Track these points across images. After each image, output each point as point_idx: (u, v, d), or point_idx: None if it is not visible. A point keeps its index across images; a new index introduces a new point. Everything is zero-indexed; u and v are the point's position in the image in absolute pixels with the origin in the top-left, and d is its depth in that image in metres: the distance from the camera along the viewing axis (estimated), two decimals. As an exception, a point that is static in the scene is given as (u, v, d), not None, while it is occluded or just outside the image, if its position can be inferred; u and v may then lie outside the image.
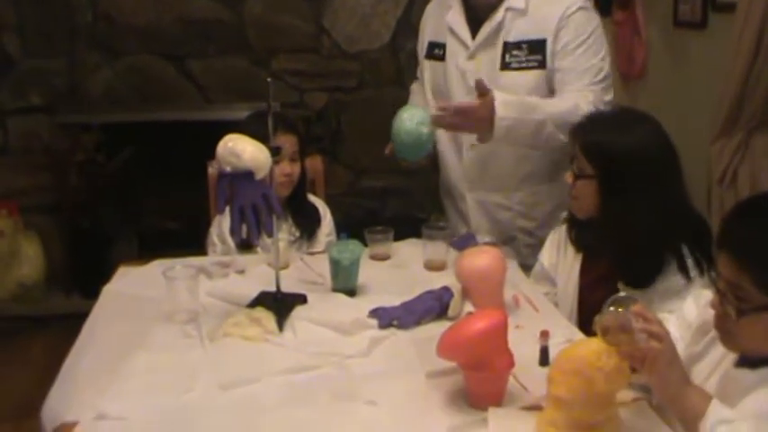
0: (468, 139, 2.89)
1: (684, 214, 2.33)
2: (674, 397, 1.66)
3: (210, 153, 2.44)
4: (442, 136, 3.01)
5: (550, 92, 2.79)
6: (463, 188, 3.02)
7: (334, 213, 3.12)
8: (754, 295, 1.62)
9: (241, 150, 2.10)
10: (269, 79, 2.25)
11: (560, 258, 2.62)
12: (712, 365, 1.85)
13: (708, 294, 1.91)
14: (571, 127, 2.44)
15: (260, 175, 2.15)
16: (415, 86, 3.27)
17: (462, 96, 2.85)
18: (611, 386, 1.65)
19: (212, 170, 3.17)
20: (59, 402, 1.90)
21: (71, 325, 2.34)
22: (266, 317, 2.22)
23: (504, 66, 2.79)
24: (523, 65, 2.77)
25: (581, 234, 2.54)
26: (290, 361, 2.04)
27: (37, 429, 1.89)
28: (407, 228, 2.94)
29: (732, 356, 1.78)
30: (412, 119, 2.73)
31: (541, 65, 2.76)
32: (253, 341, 2.16)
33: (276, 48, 4.86)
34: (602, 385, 1.64)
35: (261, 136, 2.22)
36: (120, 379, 1.96)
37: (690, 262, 2.26)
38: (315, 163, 3.31)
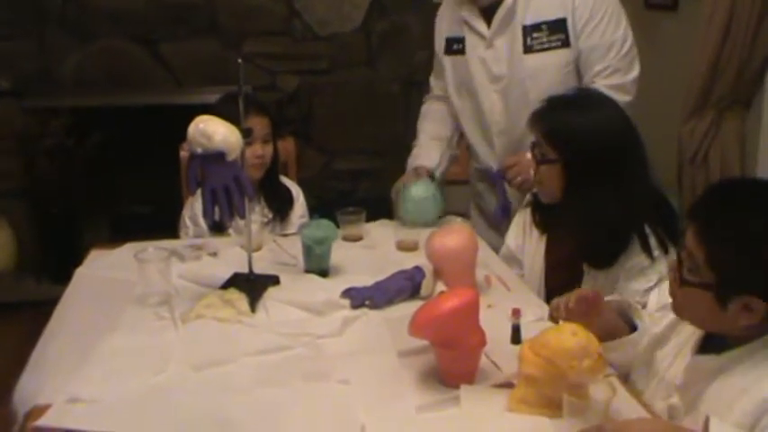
0: (497, 125, 2.94)
1: (647, 194, 2.35)
2: None
3: (182, 136, 2.42)
4: (471, 128, 3.05)
5: (579, 73, 2.83)
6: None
7: (306, 196, 3.13)
8: (704, 272, 1.66)
9: (212, 132, 2.09)
10: (239, 60, 2.24)
11: (526, 240, 2.66)
12: (676, 350, 1.88)
13: None
14: (530, 114, 2.46)
15: (231, 157, 2.14)
16: (425, 108, 3.28)
17: (486, 85, 2.92)
18: (581, 380, 1.66)
19: (184, 153, 3.16)
20: (31, 386, 1.90)
21: (42, 311, 2.33)
22: (239, 298, 2.23)
23: (527, 49, 2.81)
24: (546, 45, 2.80)
25: (545, 217, 2.56)
26: (263, 342, 2.04)
27: (9, 415, 1.88)
28: (380, 209, 2.96)
29: (694, 341, 1.81)
30: (415, 199, 2.83)
31: (565, 44, 2.79)
32: (225, 322, 2.16)
33: (248, 30, 4.82)
34: (572, 377, 1.66)
35: (232, 118, 2.21)
36: (91, 361, 1.95)
37: (653, 241, 2.29)
38: (287, 145, 3.32)
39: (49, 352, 2.05)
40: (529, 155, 2.68)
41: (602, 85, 2.75)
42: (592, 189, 2.29)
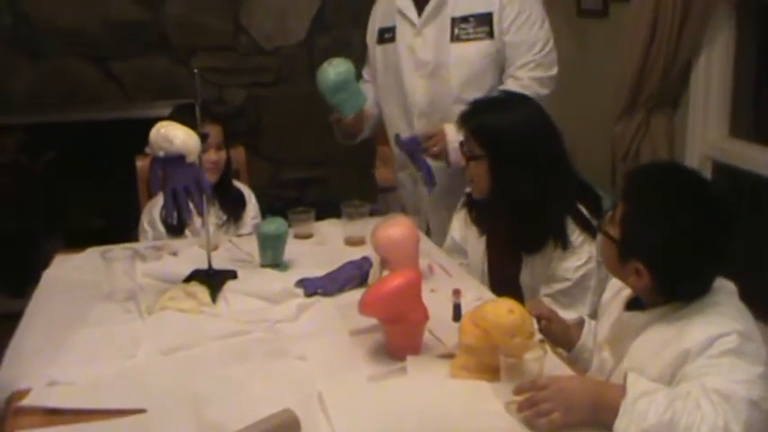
0: (418, 107, 3.15)
1: (570, 181, 2.58)
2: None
3: (134, 151, 2.53)
4: (393, 110, 3.26)
5: (500, 64, 3.06)
6: None
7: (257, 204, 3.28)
8: (616, 226, 1.90)
9: (173, 136, 2.25)
10: (196, 70, 2.39)
11: (468, 232, 2.84)
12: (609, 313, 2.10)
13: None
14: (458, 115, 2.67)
15: (191, 159, 2.30)
16: (365, 74, 3.50)
17: (411, 71, 3.14)
18: (512, 354, 1.83)
19: (141, 164, 3.30)
20: (10, 374, 2.03)
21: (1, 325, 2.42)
22: (200, 290, 2.39)
23: (454, 38, 3.05)
24: (471, 36, 3.04)
25: (480, 214, 2.77)
26: (225, 328, 2.21)
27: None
28: (327, 213, 3.14)
29: (622, 300, 2.03)
30: (330, 66, 2.98)
31: (489, 35, 3.03)
32: (189, 313, 2.32)
33: (196, 46, 4.97)
34: (504, 349, 1.83)
35: (189, 125, 2.36)
36: (66, 350, 2.10)
37: (580, 223, 2.50)
38: (238, 153, 3.46)
39: (25, 343, 2.19)
40: (447, 127, 2.92)
41: (526, 76, 2.99)
42: (517, 181, 2.50)
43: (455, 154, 2.90)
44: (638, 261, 1.83)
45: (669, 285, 1.84)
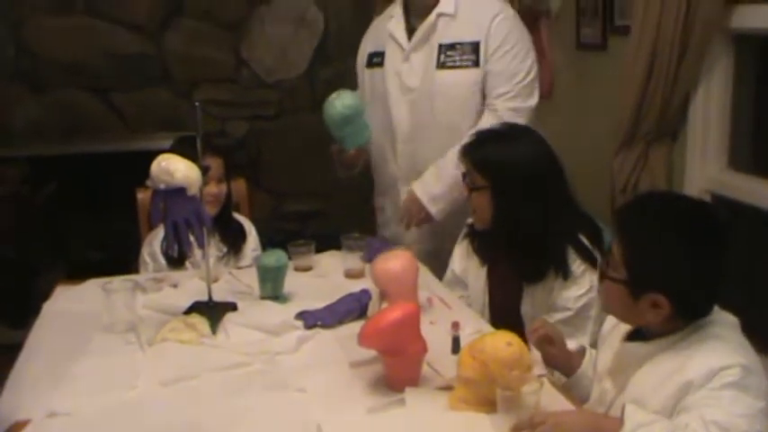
0: (402, 134, 3.17)
1: (571, 212, 2.59)
2: None
3: (135, 183, 2.53)
4: (379, 134, 3.26)
5: (485, 92, 3.07)
6: (399, 183, 3.25)
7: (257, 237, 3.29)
8: (619, 268, 1.87)
9: (174, 169, 2.27)
10: (197, 103, 2.42)
11: (469, 263, 2.85)
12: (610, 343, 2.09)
13: None
14: (460, 147, 2.69)
15: (191, 192, 2.32)
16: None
17: (398, 96, 3.16)
18: (510, 386, 1.83)
19: (142, 196, 3.31)
20: (10, 405, 2.04)
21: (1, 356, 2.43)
22: (200, 322, 2.39)
23: (440, 65, 3.07)
24: (457, 64, 3.05)
25: (482, 244, 2.78)
26: (225, 359, 2.21)
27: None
28: (328, 246, 3.15)
29: (623, 331, 2.01)
30: (338, 99, 3.00)
31: (476, 64, 3.04)
32: (189, 344, 2.32)
33: (197, 79, 5.03)
34: (501, 383, 1.84)
35: (190, 158, 2.38)
36: (67, 381, 2.11)
37: (581, 254, 2.51)
38: (239, 186, 3.48)
39: (25, 374, 2.20)
40: (414, 188, 3.03)
41: (502, 107, 3.01)
42: (520, 211, 2.51)
43: (433, 208, 3.04)
44: (654, 292, 1.81)
45: (689, 307, 1.84)
